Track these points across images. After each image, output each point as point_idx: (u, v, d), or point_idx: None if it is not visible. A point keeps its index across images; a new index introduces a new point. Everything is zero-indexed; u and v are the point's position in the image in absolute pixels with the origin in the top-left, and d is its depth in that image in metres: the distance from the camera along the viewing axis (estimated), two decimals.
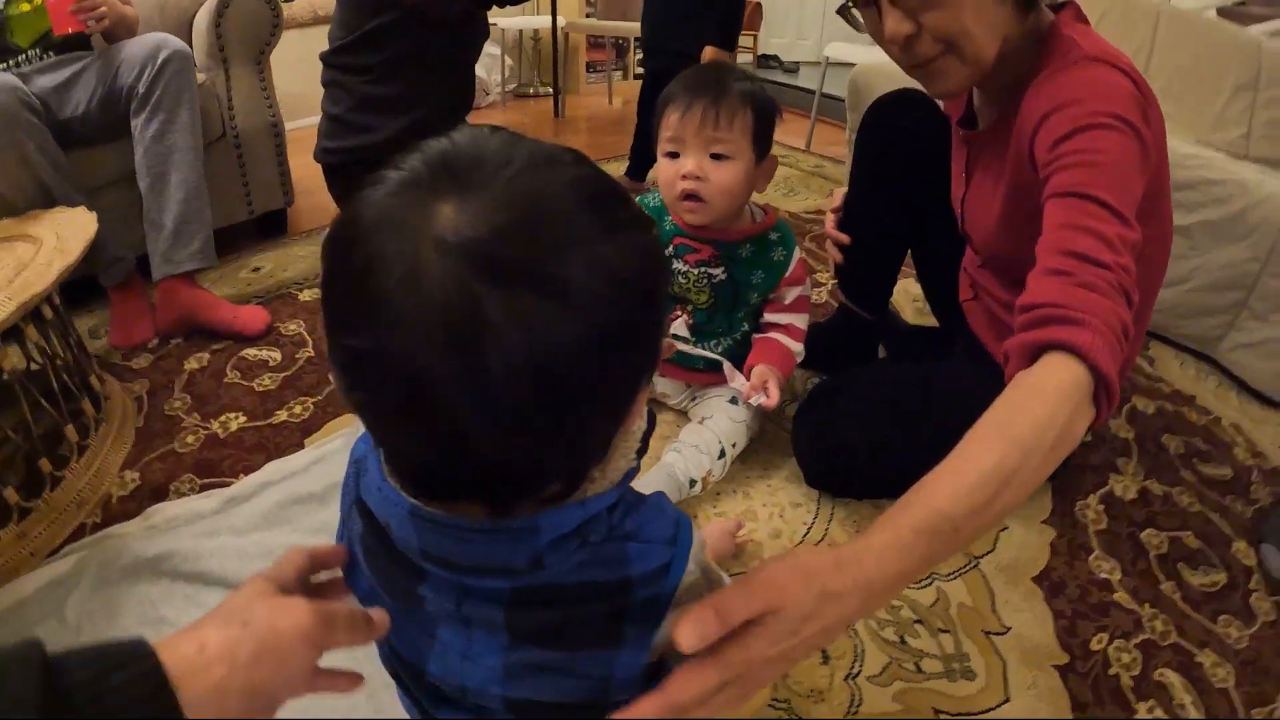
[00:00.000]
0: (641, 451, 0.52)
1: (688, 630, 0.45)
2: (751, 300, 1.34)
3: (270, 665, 0.43)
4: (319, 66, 1.90)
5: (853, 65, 2.54)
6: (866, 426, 1.23)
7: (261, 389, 1.50)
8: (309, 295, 1.86)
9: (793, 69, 4.90)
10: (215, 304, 1.67)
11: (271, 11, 1.99)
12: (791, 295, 1.35)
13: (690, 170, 1.20)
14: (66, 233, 1.32)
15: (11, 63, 1.65)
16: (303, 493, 1.20)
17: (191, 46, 1.79)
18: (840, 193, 1.46)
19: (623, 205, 0.42)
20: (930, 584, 1.12)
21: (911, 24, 0.93)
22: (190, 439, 1.36)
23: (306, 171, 2.15)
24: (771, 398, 1.23)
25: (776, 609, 0.48)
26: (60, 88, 1.63)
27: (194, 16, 1.95)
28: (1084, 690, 0.99)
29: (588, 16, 4.36)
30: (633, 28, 3.97)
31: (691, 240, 1.30)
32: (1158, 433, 1.51)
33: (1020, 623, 1.07)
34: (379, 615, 0.51)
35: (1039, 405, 0.65)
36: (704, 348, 1.35)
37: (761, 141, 1.22)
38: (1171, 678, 1.02)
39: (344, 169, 1.91)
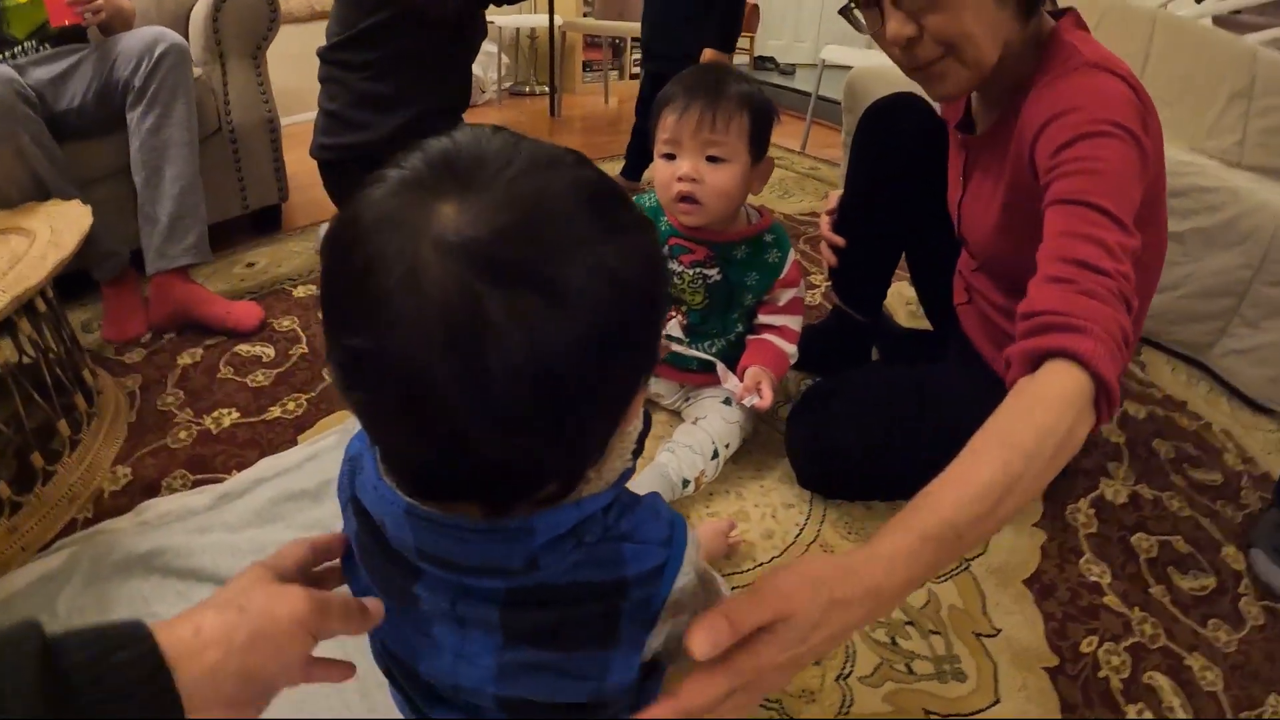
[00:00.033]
0: (637, 453, 0.52)
1: (701, 639, 0.46)
2: (746, 302, 1.34)
3: (265, 651, 0.44)
4: (316, 62, 1.89)
5: (849, 68, 2.55)
6: (860, 428, 1.23)
7: (255, 385, 1.50)
8: (303, 291, 1.85)
9: (789, 71, 4.91)
10: (209, 299, 1.66)
11: (269, 6, 1.98)
12: (786, 297, 1.35)
13: (686, 172, 1.20)
14: (61, 226, 1.32)
15: (7, 54, 1.64)
16: (296, 489, 1.20)
17: (188, 40, 1.78)
18: (835, 195, 1.47)
19: (623, 207, 0.42)
20: (921, 586, 1.13)
21: (913, 26, 0.94)
22: (183, 434, 1.35)
23: (302, 167, 2.15)
24: (765, 399, 1.23)
25: (786, 617, 0.49)
26: (56, 80, 1.63)
27: (191, 10, 1.94)
28: (1074, 692, 1.00)
29: (585, 16, 4.35)
30: (630, 27, 3.98)
31: (687, 241, 1.30)
32: (1149, 438, 1.52)
33: (1011, 625, 1.08)
34: (374, 605, 0.51)
35: (1042, 413, 0.65)
36: (698, 348, 1.36)
37: (758, 144, 1.22)
38: (1161, 680, 1.02)
39: (340, 165, 1.91)
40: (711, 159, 1.20)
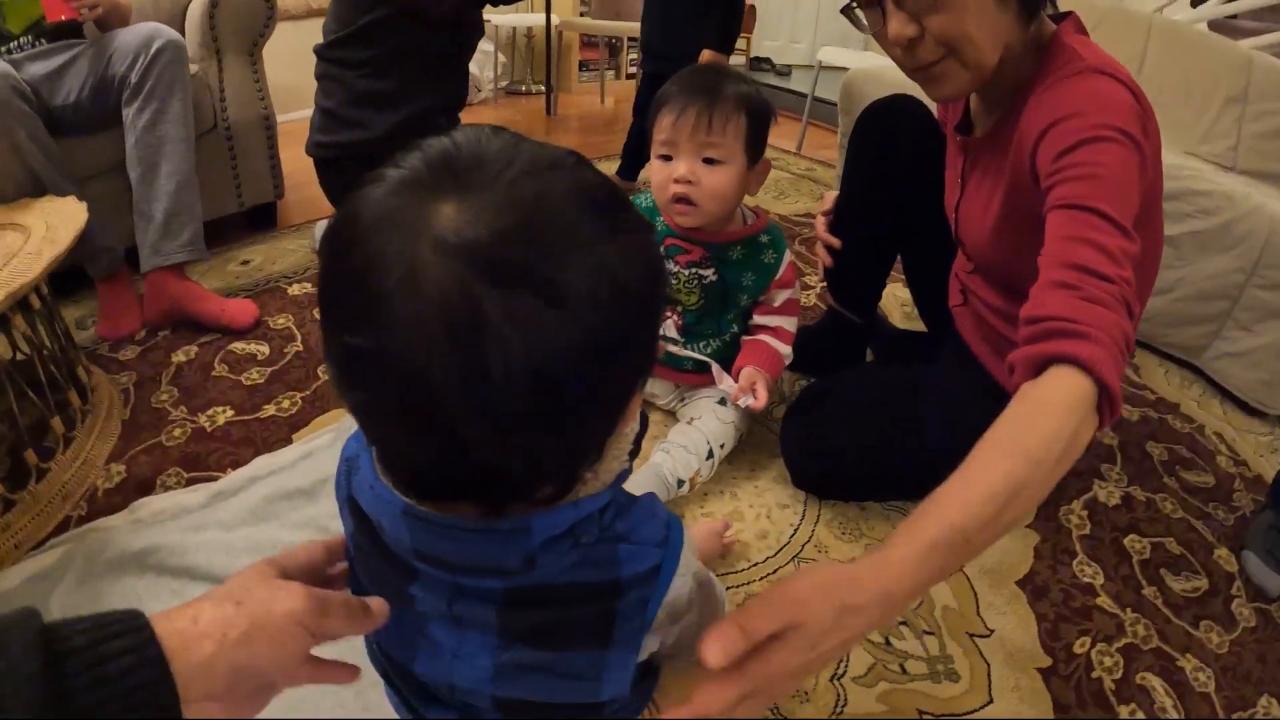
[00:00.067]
0: (634, 453, 0.52)
1: (714, 647, 0.46)
2: (741, 302, 1.35)
3: (260, 645, 0.43)
4: (312, 59, 1.89)
5: (845, 70, 2.55)
6: (854, 429, 1.24)
7: (249, 383, 1.50)
8: (298, 289, 1.85)
9: (785, 72, 4.90)
10: (203, 296, 1.66)
11: (265, 3, 1.97)
12: (781, 298, 1.35)
13: (682, 174, 1.20)
14: (56, 222, 1.31)
15: (3, 49, 1.63)
16: (290, 488, 1.19)
17: (184, 37, 1.77)
18: (831, 196, 1.47)
19: (623, 209, 0.42)
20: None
21: (915, 27, 0.94)
22: (177, 432, 1.35)
23: (298, 165, 2.14)
24: (759, 399, 1.23)
25: (797, 624, 0.50)
26: (52, 75, 1.62)
27: (187, 7, 1.94)
28: (1066, 692, 1.00)
29: (582, 15, 4.35)
30: (627, 27, 3.97)
31: (682, 241, 1.30)
32: (1142, 440, 1.52)
33: (1004, 626, 1.08)
34: (377, 604, 0.51)
35: (1047, 419, 0.66)
36: (693, 349, 1.36)
37: (755, 146, 1.23)
38: (1153, 681, 1.03)
39: (336, 163, 1.90)
40: (708, 160, 1.20)
